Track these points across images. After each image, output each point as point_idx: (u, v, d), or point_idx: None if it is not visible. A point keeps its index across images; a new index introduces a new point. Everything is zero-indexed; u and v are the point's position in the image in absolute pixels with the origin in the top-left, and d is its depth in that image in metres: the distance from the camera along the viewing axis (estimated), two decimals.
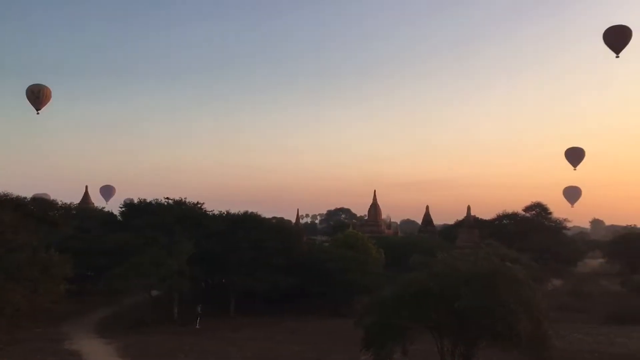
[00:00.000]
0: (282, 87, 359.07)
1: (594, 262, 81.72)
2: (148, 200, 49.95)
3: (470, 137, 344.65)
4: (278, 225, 55.16)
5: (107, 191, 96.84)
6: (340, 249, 50.11)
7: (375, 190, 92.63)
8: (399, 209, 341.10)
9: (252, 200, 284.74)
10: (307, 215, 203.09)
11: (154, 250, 39.91)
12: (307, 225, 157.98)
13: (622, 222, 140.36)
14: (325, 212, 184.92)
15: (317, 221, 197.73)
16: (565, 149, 70.03)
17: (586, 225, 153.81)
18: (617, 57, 53.26)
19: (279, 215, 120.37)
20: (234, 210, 51.31)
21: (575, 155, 68.77)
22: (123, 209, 52.55)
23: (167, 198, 48.75)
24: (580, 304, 46.43)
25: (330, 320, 39.83)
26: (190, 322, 38.75)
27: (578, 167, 68.02)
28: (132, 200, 58.16)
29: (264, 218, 54.62)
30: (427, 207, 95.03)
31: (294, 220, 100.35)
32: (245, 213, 50.46)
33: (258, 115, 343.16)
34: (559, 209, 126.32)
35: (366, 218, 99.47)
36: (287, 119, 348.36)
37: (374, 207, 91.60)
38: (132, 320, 39.07)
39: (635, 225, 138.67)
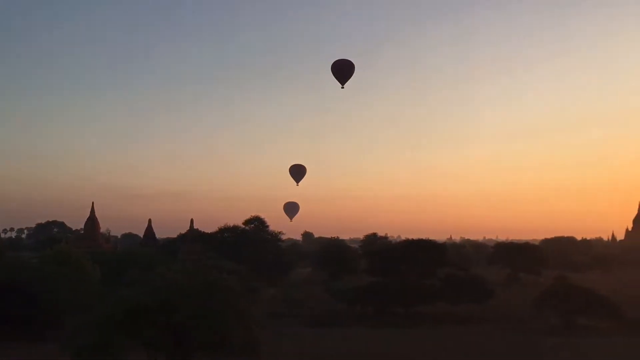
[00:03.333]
0: None
1: (304, 271, 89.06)
2: None
3: (196, 148, 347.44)
4: None
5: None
6: (49, 266, 45.44)
7: (93, 203, 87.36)
8: (120, 222, 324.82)
9: None
10: (11, 229, 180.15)
11: None
12: (11, 240, 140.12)
13: (329, 234, 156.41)
14: (34, 225, 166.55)
15: (23, 235, 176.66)
16: (290, 166, 75.21)
17: (299, 237, 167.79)
18: (342, 87, 60.10)
19: None
20: None
21: (298, 172, 74.32)
22: None
23: None
24: (291, 310, 50.11)
25: (35, 346, 35.67)
26: None
27: (300, 183, 73.98)
28: None
29: None
30: (150, 221, 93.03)
31: None
32: None
33: None
34: (280, 222, 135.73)
35: (82, 232, 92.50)
36: None
37: (92, 221, 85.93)
38: None
39: (338, 237, 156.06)
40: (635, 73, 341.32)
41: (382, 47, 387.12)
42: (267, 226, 79.57)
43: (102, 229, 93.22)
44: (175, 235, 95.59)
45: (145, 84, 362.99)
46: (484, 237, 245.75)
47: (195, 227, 79.20)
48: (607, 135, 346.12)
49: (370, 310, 49.56)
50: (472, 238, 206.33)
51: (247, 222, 79.34)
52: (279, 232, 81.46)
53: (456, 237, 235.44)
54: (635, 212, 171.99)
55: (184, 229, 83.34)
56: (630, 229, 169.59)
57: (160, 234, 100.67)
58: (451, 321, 44.79)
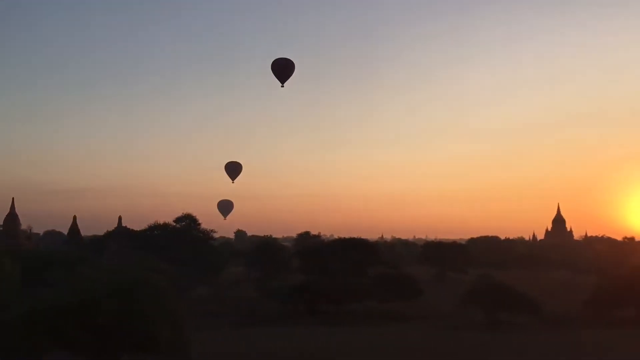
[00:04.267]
0: None
1: (237, 269, 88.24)
2: None
3: (125, 143, 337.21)
4: None
5: None
6: None
7: (13, 198, 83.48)
8: (43, 219, 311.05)
9: None
10: None
11: None
12: None
13: (263, 233, 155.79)
14: None
15: None
16: (226, 163, 74.15)
17: (231, 235, 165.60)
18: (282, 86, 59.52)
19: None
20: None
21: (234, 169, 73.37)
22: None
23: None
24: (222, 309, 49.55)
25: None
26: None
27: (236, 181, 73.08)
28: None
29: None
30: (75, 218, 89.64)
31: None
32: None
33: None
34: (214, 220, 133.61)
35: (1, 229, 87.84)
36: None
37: (12, 217, 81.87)
38: None
39: (271, 235, 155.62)
40: (557, 80, 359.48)
41: (324, 47, 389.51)
42: (199, 224, 78.17)
43: (23, 226, 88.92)
44: (102, 233, 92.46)
45: (69, 76, 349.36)
46: (415, 237, 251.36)
47: (123, 224, 76.88)
48: (529, 141, 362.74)
49: (302, 308, 49.72)
50: (403, 237, 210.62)
51: (178, 220, 77.69)
52: (211, 230, 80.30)
53: (388, 236, 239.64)
54: (555, 213, 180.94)
55: (112, 226, 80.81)
56: (549, 229, 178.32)
57: (85, 231, 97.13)
58: (381, 319, 45.61)
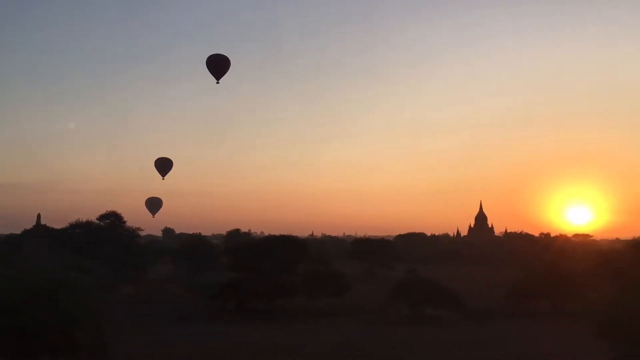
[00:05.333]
0: None
1: (164, 267, 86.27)
2: None
3: (42, 140, 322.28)
4: None
5: None
6: None
7: None
8: None
9: None
10: None
11: None
12: None
13: (193, 230, 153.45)
14: None
15: None
16: (156, 159, 71.89)
17: (159, 233, 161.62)
18: (218, 83, 58.34)
19: None
20: None
21: (164, 165, 71.22)
22: None
23: None
24: (149, 308, 48.30)
25: None
26: None
27: (166, 177, 70.93)
28: None
29: None
30: None
31: None
32: None
33: None
34: (143, 217, 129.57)
35: None
36: None
37: None
38: None
39: (200, 233, 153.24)
40: (480, 81, 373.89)
41: (260, 45, 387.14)
42: (124, 222, 75.93)
43: None
44: (19, 231, 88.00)
45: None
46: (344, 234, 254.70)
47: (42, 222, 73.37)
48: (454, 140, 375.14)
49: (231, 306, 49.28)
50: (332, 234, 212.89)
51: (102, 218, 75.12)
52: (137, 228, 78.12)
53: (318, 234, 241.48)
54: (477, 210, 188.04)
55: (30, 224, 76.97)
56: (472, 225, 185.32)
57: (1, 229, 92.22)
58: (310, 315, 45.94)
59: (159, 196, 79.30)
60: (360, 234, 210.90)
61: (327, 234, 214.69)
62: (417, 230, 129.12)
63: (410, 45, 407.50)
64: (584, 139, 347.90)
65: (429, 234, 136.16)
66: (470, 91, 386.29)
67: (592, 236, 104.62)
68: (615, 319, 23.91)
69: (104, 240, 67.44)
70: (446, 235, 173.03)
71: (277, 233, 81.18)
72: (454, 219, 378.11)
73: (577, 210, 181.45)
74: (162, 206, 77.88)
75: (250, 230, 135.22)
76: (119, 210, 76.93)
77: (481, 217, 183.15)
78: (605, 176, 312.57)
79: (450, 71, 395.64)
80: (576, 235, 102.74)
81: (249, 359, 29.83)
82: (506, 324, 40.77)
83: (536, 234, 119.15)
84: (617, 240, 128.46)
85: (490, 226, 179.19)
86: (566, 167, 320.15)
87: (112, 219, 75.03)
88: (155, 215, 77.23)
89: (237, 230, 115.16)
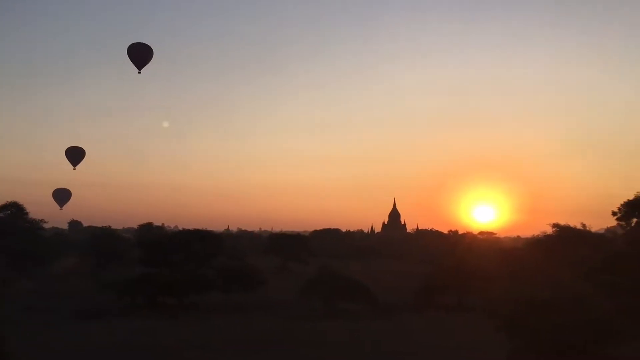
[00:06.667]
0: None
1: (70, 261, 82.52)
2: None
3: None
4: None
5: None
6: None
7: None
8: None
9: None
10: None
11: None
12: None
13: (103, 223, 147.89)
14: None
15: None
16: (67, 148, 68.08)
17: (65, 226, 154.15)
18: (139, 72, 55.93)
19: None
20: None
21: (75, 155, 67.57)
22: None
23: None
24: (52, 303, 46.07)
25: None
26: None
27: (78, 167, 67.30)
28: None
29: None
30: None
31: None
32: None
33: None
34: (49, 209, 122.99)
35: None
36: None
37: None
38: None
39: (110, 226, 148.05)
40: (395, 80, 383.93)
41: (184, 35, 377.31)
42: (27, 213, 72.01)
43: None
44: None
45: None
46: (260, 229, 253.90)
47: None
48: (371, 138, 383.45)
49: (140, 301, 47.76)
50: (248, 229, 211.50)
51: (2, 209, 70.81)
52: (40, 220, 74.26)
53: (234, 228, 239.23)
54: (391, 208, 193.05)
55: None
56: (386, 222, 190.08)
57: None
58: (222, 310, 45.44)
59: (68, 187, 75.70)
60: (276, 229, 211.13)
61: (243, 229, 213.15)
62: (332, 227, 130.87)
63: (313, 44, 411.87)
64: (492, 142, 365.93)
65: (344, 230, 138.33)
66: (387, 91, 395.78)
67: (495, 234, 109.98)
68: (514, 312, 25.27)
69: (1, 233, 63.79)
70: (361, 232, 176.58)
71: (191, 227, 79.78)
72: (369, 216, 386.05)
73: (483, 209, 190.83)
74: (72, 198, 74.41)
75: (163, 224, 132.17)
76: (25, 202, 73.06)
77: (394, 214, 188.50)
78: (508, 178, 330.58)
79: (370, 71, 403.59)
80: (482, 233, 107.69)
81: (154, 354, 29.06)
82: (414, 317, 42.16)
83: (445, 231, 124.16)
84: (519, 237, 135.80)
85: (403, 223, 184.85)
86: (475, 168, 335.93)
87: (13, 210, 71.04)
88: (64, 208, 73.66)
89: (149, 224, 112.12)
